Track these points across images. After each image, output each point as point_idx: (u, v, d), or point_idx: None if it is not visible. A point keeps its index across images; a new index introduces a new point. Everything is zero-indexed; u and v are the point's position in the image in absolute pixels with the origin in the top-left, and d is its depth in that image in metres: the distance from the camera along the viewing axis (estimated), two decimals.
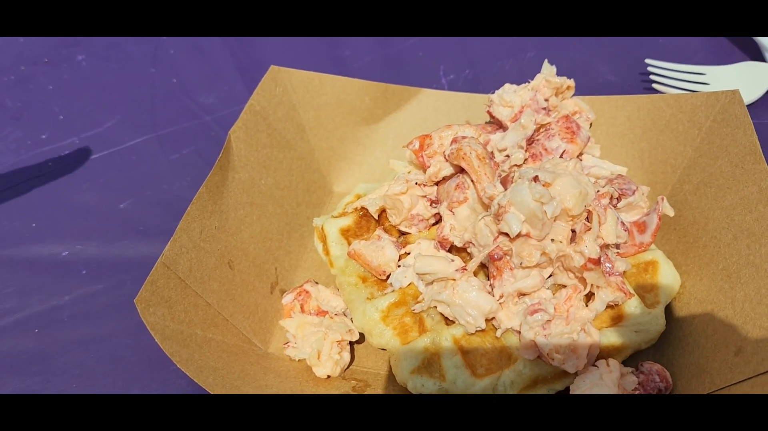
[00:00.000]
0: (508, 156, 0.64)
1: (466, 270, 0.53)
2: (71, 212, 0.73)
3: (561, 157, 0.62)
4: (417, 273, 0.55)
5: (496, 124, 0.68)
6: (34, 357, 0.62)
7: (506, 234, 0.53)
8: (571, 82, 0.67)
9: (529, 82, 0.67)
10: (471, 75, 0.82)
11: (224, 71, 0.87)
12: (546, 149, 0.64)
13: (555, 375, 0.53)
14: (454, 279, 0.54)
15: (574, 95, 0.69)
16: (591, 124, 0.69)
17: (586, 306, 0.53)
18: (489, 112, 0.68)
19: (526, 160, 0.63)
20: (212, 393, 0.49)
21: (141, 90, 0.85)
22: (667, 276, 0.58)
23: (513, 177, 0.54)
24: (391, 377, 0.58)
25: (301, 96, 0.71)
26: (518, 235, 0.52)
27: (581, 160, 0.66)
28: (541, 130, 0.66)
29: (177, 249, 0.55)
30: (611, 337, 0.54)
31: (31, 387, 0.60)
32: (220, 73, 0.87)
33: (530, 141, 0.65)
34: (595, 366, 0.53)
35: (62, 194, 0.76)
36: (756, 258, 0.50)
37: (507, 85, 0.68)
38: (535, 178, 0.52)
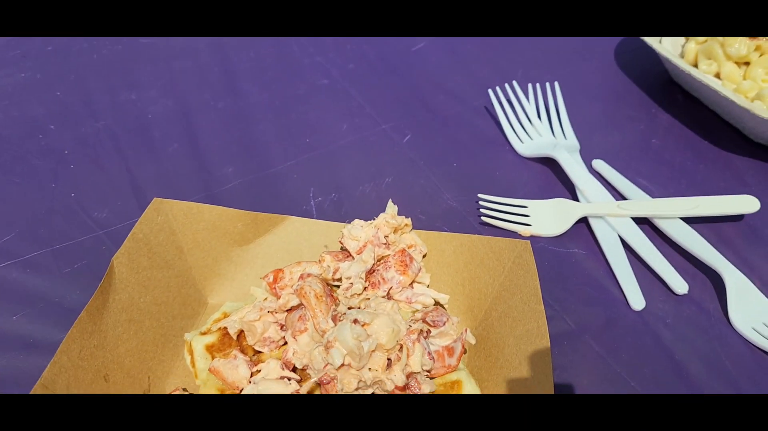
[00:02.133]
0: (351, 284, 0.77)
1: (299, 392, 0.66)
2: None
3: (389, 291, 0.76)
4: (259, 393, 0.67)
5: (346, 254, 0.82)
6: None
7: (331, 364, 0.65)
8: (408, 221, 0.82)
9: (374, 219, 0.81)
10: (336, 198, 0.96)
11: (119, 186, 0.97)
12: (383, 278, 0.78)
13: None
14: None
15: (411, 230, 0.83)
16: (424, 255, 0.83)
17: None
18: (341, 242, 0.81)
19: (365, 288, 0.77)
20: None
21: (41, 204, 0.93)
22: (470, 392, 0.72)
23: (339, 317, 0.68)
24: None
25: (181, 223, 0.82)
26: (341, 365, 0.65)
27: (412, 287, 0.80)
28: (381, 261, 0.80)
29: (56, 370, 0.64)
30: None
31: None
32: (115, 188, 0.97)
33: (371, 271, 0.79)
34: None
35: None
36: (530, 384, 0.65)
37: (356, 221, 0.82)
38: (355, 321, 0.65)
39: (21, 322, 0.80)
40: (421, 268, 0.80)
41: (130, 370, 0.74)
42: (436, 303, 0.79)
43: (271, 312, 0.73)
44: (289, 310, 0.73)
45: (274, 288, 0.74)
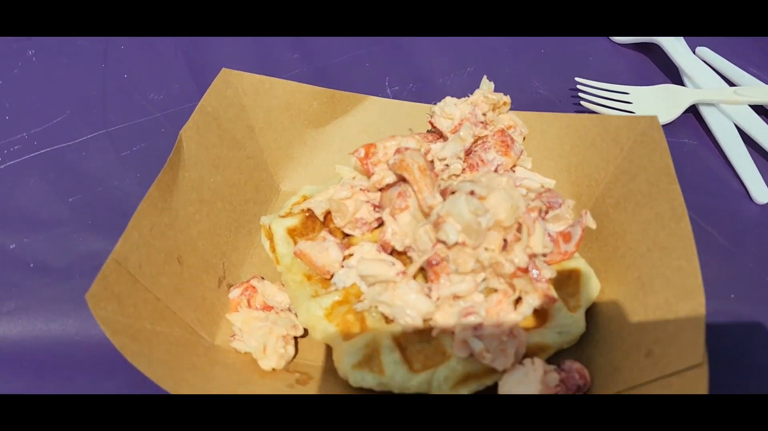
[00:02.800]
0: (447, 165, 0.68)
1: (405, 274, 0.57)
2: (19, 206, 0.73)
3: (496, 170, 0.67)
4: (360, 276, 0.58)
5: (437, 134, 0.72)
6: None
7: (444, 242, 0.57)
8: (507, 99, 0.72)
9: (469, 96, 0.72)
10: (414, 88, 0.86)
11: (175, 69, 0.88)
12: (482, 160, 0.69)
13: (485, 371, 0.58)
14: (395, 282, 0.58)
15: (509, 110, 0.74)
16: (524, 138, 0.74)
17: (515, 309, 0.58)
18: (431, 122, 0.72)
19: (463, 170, 0.68)
20: (162, 386, 0.51)
21: (92, 86, 0.84)
22: (588, 282, 0.63)
23: (451, 189, 0.59)
24: (332, 370, 0.61)
25: (251, 98, 0.73)
26: (455, 244, 0.56)
27: (514, 172, 0.71)
28: (479, 142, 0.70)
29: (128, 246, 0.56)
30: (536, 338, 0.59)
31: None
32: (171, 71, 0.87)
33: (468, 152, 0.70)
34: (522, 364, 0.58)
35: (10, 188, 0.75)
36: (666, 270, 0.56)
37: (448, 98, 0.72)
38: (472, 192, 0.56)
39: (78, 205, 0.72)
40: (522, 151, 0.71)
41: (203, 254, 0.66)
42: None
43: (364, 190, 0.64)
44: (383, 188, 0.64)
45: (366, 164, 0.65)
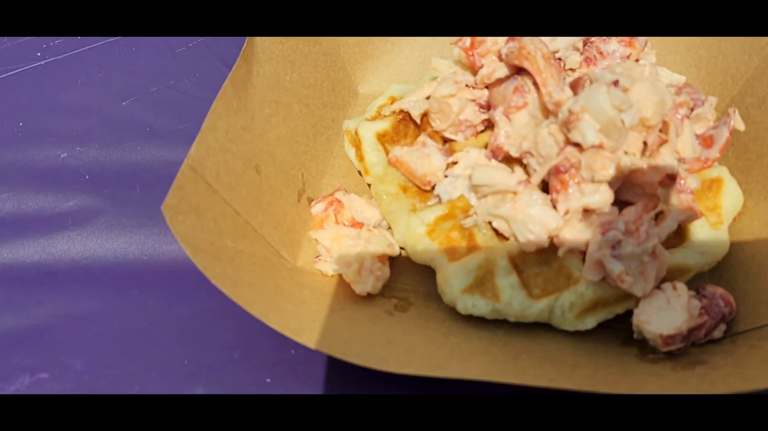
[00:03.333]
0: (560, 59, 0.58)
1: (530, 183, 0.48)
2: (66, 110, 0.64)
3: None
4: (473, 185, 0.50)
5: None
6: (38, 271, 0.56)
7: (575, 145, 0.48)
8: None
9: None
10: None
11: None
12: (601, 53, 0.59)
13: (617, 297, 0.50)
14: (515, 193, 0.49)
15: None
16: None
17: (657, 224, 0.49)
18: None
19: (580, 64, 0.58)
20: (251, 312, 0.44)
21: None
22: (732, 194, 0.54)
23: (585, 79, 0.49)
24: (434, 295, 0.53)
25: None
26: (590, 146, 0.47)
27: None
28: None
29: (204, 151, 0.48)
30: (677, 258, 0.51)
31: (35, 310, 0.54)
32: None
33: (584, 42, 0.59)
34: (660, 289, 0.50)
35: (54, 89, 0.66)
36: None
37: None
38: (615, 83, 0.47)
39: (134, 108, 0.63)
40: (647, 41, 0.60)
41: (282, 163, 0.57)
42: None
43: (470, 86, 0.55)
44: (492, 83, 0.55)
45: (472, 55, 0.55)
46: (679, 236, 0.52)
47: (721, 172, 0.54)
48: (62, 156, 0.62)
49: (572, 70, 0.57)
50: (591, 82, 0.48)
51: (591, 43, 0.59)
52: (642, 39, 0.59)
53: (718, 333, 0.51)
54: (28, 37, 0.68)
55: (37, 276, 0.55)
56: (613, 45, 0.59)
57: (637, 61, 0.60)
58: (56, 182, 0.60)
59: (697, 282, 0.53)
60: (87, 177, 0.61)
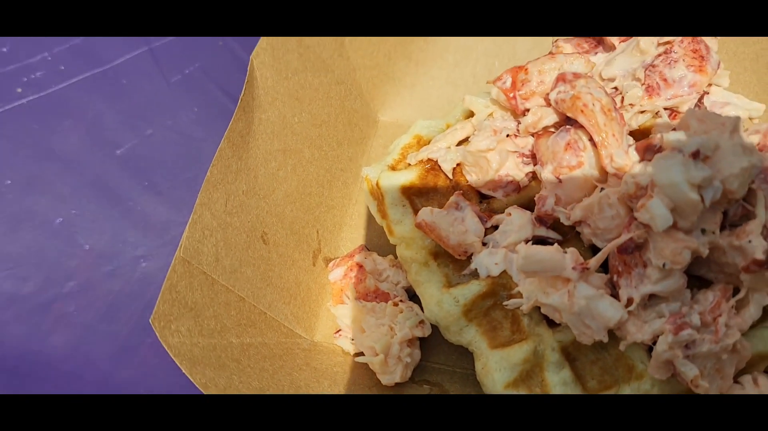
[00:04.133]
0: (616, 89, 0.49)
1: (587, 269, 0.41)
2: (57, 160, 0.56)
3: (699, 101, 0.47)
4: (519, 270, 0.42)
5: (596, 40, 0.52)
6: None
7: (645, 224, 0.39)
8: None
9: None
10: None
11: None
12: (665, 80, 0.49)
13: (685, 392, 0.43)
14: (569, 280, 0.41)
15: None
16: (717, 42, 0.53)
17: (738, 313, 0.41)
18: None
19: (642, 98, 0.49)
20: None
21: None
22: None
23: (656, 144, 0.40)
24: (471, 379, 0.47)
25: None
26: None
27: (708, 93, 0.51)
28: (658, 52, 0.50)
29: (199, 234, 0.41)
30: (758, 345, 0.43)
31: None
32: None
33: (645, 68, 0.50)
34: (739, 382, 0.42)
35: (40, 134, 0.58)
36: None
37: None
38: (695, 154, 0.38)
39: (129, 157, 0.56)
40: (720, 62, 0.50)
41: (292, 223, 0.50)
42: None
43: (511, 136, 0.46)
44: (539, 133, 0.46)
45: (514, 97, 0.46)
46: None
47: None
48: (57, 221, 0.55)
49: (631, 105, 0.48)
50: (663, 147, 0.39)
51: (653, 68, 0.50)
52: (714, 60, 0.50)
53: None
54: (6, 69, 0.59)
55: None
56: (681, 70, 0.49)
57: (709, 86, 0.51)
58: (53, 254, 0.53)
59: None
60: (87, 247, 0.54)
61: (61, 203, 0.54)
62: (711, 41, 0.52)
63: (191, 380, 0.37)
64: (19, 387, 0.49)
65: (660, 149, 0.40)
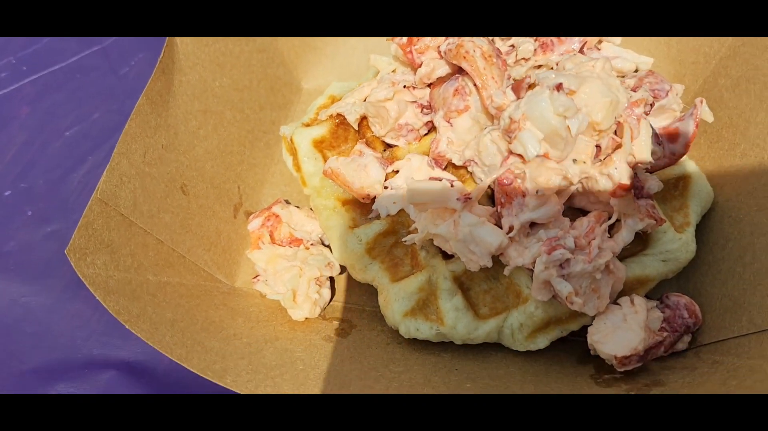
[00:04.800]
0: (513, 46, 0.53)
1: (470, 199, 0.44)
2: (10, 143, 0.62)
3: (581, 51, 0.51)
4: (410, 201, 0.46)
5: None
6: None
7: (519, 155, 0.43)
8: None
9: None
10: None
11: None
12: (559, 37, 0.53)
13: (570, 315, 0.46)
14: (455, 210, 0.45)
15: None
16: None
17: (612, 237, 0.45)
18: None
19: (535, 51, 0.53)
20: (170, 356, 0.41)
21: None
22: (701, 192, 0.50)
23: (528, 82, 0.44)
24: (379, 315, 0.50)
25: None
26: (535, 156, 0.42)
27: (599, 49, 0.55)
28: None
29: (116, 180, 0.44)
30: (635, 269, 0.47)
31: None
32: None
33: None
34: (617, 304, 0.46)
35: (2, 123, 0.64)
36: None
37: None
38: (558, 86, 0.42)
39: (76, 138, 0.61)
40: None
41: (213, 178, 0.54)
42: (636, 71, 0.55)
43: (409, 87, 0.50)
44: (433, 83, 0.50)
45: (410, 51, 0.50)
46: (639, 242, 0.48)
47: (689, 167, 0.50)
48: (5, 194, 0.60)
49: (525, 59, 0.52)
50: (533, 85, 0.43)
51: None
52: None
53: (681, 345, 0.47)
54: None
55: None
56: None
57: (599, 42, 0.55)
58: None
59: (661, 289, 0.50)
60: (30, 213, 0.59)
61: (10, 174, 0.59)
62: None
63: (105, 306, 0.40)
64: None
65: (532, 87, 0.44)
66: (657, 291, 0.49)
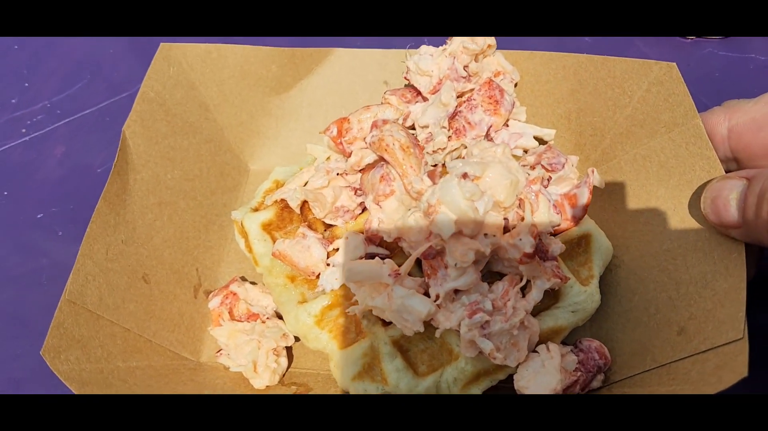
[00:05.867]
0: (430, 134, 0.60)
1: (399, 274, 0.51)
2: (46, 180, 0.73)
3: (487, 134, 0.59)
4: (347, 280, 0.52)
5: (416, 90, 0.64)
6: (13, 320, 0.63)
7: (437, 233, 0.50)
8: (491, 41, 0.63)
9: (447, 45, 0.62)
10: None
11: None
12: (469, 123, 0.61)
13: (497, 366, 0.53)
14: (388, 284, 0.51)
15: (495, 51, 0.64)
16: (516, 85, 0.65)
17: (524, 297, 0.52)
18: (407, 78, 0.63)
19: (449, 137, 0.60)
20: None
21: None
22: (601, 248, 0.57)
23: (439, 170, 0.51)
24: (332, 377, 0.56)
25: (199, 72, 0.64)
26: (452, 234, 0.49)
27: (507, 126, 0.63)
28: (463, 99, 0.62)
29: (82, 280, 0.50)
30: (549, 321, 0.54)
31: (13, 352, 0.61)
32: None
33: (452, 115, 0.61)
34: (536, 352, 0.53)
35: (36, 158, 0.75)
36: (704, 245, 0.49)
37: (424, 47, 0.63)
38: (464, 175, 0.49)
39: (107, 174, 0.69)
40: (514, 102, 0.62)
41: (172, 264, 0.59)
42: (539, 143, 0.62)
43: (341, 174, 0.57)
44: (363, 170, 0.57)
45: (340, 143, 0.57)
46: (552, 297, 0.55)
47: (589, 226, 0.57)
48: (38, 216, 0.70)
49: (442, 149, 0.59)
50: (444, 172, 0.50)
51: (459, 113, 0.61)
52: (508, 102, 0.61)
53: (596, 383, 0.54)
54: (12, 116, 0.79)
55: (13, 329, 0.62)
56: (480, 114, 0.60)
57: (506, 123, 0.62)
58: (32, 239, 0.68)
59: (577, 335, 0.57)
60: (60, 233, 0.68)
61: (44, 201, 0.72)
62: (507, 84, 0.64)
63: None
64: None
65: (443, 173, 0.51)
66: (572, 337, 0.56)
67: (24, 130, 0.78)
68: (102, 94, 0.80)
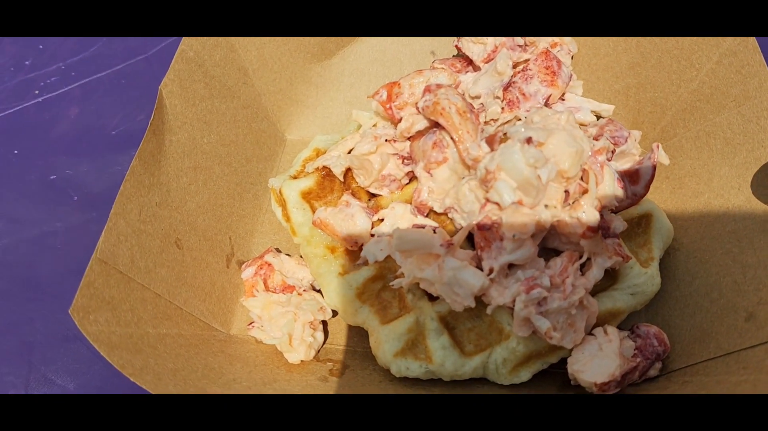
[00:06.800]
0: (482, 104, 0.57)
1: (452, 244, 0.47)
2: (60, 140, 0.71)
3: (547, 104, 0.55)
4: (396, 248, 0.49)
5: (466, 60, 0.61)
6: (28, 286, 0.60)
7: (496, 203, 0.47)
8: None
9: None
10: None
11: None
12: (524, 94, 0.57)
13: (550, 349, 0.49)
14: (438, 255, 0.48)
15: None
16: (572, 57, 0.62)
17: (583, 274, 0.49)
18: (457, 47, 0.60)
19: (502, 109, 0.57)
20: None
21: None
22: (662, 229, 0.54)
23: (500, 136, 0.48)
24: (370, 355, 0.53)
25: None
26: (510, 204, 0.46)
27: (563, 101, 0.60)
28: (518, 69, 0.59)
29: (114, 239, 0.47)
30: (607, 303, 0.50)
31: (27, 315, 0.59)
32: None
33: (506, 86, 0.58)
34: (593, 335, 0.50)
35: (49, 119, 0.73)
36: None
37: None
38: (528, 140, 0.45)
39: (122, 135, 0.68)
40: (572, 75, 0.59)
41: (205, 231, 0.56)
42: (597, 119, 0.59)
43: (390, 140, 0.54)
44: (413, 136, 0.53)
45: (390, 108, 0.53)
46: (610, 278, 0.52)
47: (650, 206, 0.54)
48: (51, 177, 0.67)
49: (494, 120, 0.56)
50: (504, 138, 0.47)
51: (513, 84, 0.58)
52: (565, 74, 0.58)
53: (653, 372, 0.51)
54: (26, 77, 0.76)
55: (27, 292, 0.60)
56: (535, 84, 0.57)
57: (563, 97, 0.59)
58: (46, 203, 0.66)
59: (633, 320, 0.53)
60: (75, 198, 0.65)
61: (58, 163, 0.69)
62: (565, 56, 0.61)
63: (110, 362, 0.42)
64: None
65: (504, 140, 0.48)
66: (627, 323, 0.53)
67: (37, 92, 0.76)
68: (118, 57, 0.78)
